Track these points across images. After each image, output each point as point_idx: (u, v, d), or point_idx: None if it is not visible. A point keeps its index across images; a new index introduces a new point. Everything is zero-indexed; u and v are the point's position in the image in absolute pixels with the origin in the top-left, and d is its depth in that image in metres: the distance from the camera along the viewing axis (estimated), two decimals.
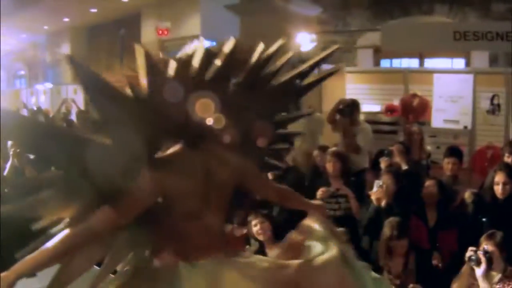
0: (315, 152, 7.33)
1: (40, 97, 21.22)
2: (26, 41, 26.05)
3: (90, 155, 2.45)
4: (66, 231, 2.46)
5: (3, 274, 2.34)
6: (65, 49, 22.58)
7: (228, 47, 2.68)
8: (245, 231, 5.03)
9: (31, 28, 22.00)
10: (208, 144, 2.68)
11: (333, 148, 6.87)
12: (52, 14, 18.83)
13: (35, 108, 17.70)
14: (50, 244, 2.42)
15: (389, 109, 10.21)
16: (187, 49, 2.87)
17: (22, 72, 30.15)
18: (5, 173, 9.22)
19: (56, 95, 19.61)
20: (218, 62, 2.69)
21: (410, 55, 13.36)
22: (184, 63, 2.68)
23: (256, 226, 4.83)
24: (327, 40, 11.82)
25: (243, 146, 2.87)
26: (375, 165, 7.26)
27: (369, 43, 13.42)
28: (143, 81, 2.61)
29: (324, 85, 10.60)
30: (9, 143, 9.55)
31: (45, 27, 22.12)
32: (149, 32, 17.39)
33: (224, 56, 2.68)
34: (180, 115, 2.57)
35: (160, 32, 16.23)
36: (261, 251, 4.66)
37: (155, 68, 2.63)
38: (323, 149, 7.13)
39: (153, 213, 2.58)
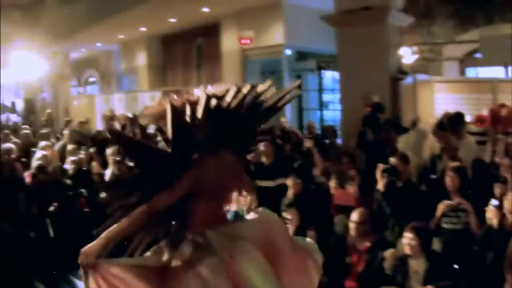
0: None
1: (115, 103, 21.85)
2: (99, 49, 26.95)
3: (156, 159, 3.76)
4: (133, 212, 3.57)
5: (84, 248, 3.40)
6: (140, 57, 23.32)
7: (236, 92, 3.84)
8: None
9: (106, 37, 22.80)
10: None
11: (454, 163, 6.89)
12: (130, 24, 19.40)
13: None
14: (122, 221, 3.55)
15: (479, 120, 10.07)
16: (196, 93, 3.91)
17: (93, 79, 31.09)
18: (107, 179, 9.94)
19: (132, 101, 20.19)
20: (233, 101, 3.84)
21: (497, 64, 13.14)
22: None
23: None
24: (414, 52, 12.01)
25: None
26: None
27: (455, 54, 13.65)
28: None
29: (417, 96, 10.96)
30: (108, 151, 10.30)
31: (120, 36, 22.77)
32: (230, 41, 17.79)
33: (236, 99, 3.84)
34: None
35: (243, 41, 16.61)
36: None
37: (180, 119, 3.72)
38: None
39: (189, 198, 3.71)
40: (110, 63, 28.22)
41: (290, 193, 7.76)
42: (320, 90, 17.71)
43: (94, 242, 3.47)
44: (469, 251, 5.81)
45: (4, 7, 23.67)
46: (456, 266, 5.75)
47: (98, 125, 17.41)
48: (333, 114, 16.99)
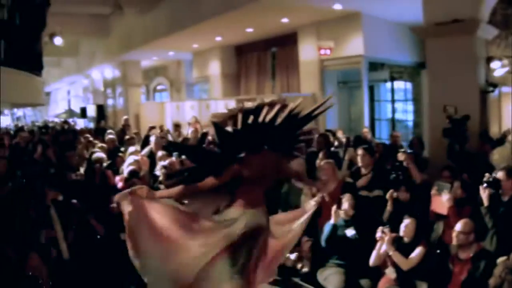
0: None
1: (186, 111, 22.40)
2: (170, 58, 27.68)
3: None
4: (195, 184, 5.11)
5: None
6: (214, 66, 23.83)
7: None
8: None
9: (180, 46, 23.43)
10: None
11: None
12: (206, 33, 19.88)
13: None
14: (180, 187, 5.05)
15: None
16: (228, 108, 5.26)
17: (163, 87, 31.96)
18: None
19: (205, 109, 20.67)
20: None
21: None
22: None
23: None
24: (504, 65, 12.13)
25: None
26: None
27: None
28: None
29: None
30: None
31: (194, 45, 23.31)
32: (308, 51, 18.03)
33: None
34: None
35: (323, 51, 16.90)
36: None
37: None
38: None
39: (235, 184, 5.12)
40: (180, 72, 28.87)
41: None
42: (393, 100, 17.89)
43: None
44: None
45: (77, 17, 24.74)
46: None
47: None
48: (405, 124, 17.32)
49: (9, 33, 11.34)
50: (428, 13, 11.05)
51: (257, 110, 5.04)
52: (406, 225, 7.07)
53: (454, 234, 6.57)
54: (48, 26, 14.12)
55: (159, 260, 5.02)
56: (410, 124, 17.87)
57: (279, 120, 5.06)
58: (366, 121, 16.29)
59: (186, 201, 5.38)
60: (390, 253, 6.95)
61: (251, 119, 4.95)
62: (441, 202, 7.59)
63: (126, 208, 4.90)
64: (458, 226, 6.55)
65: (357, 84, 17.16)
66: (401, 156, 9.17)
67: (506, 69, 11.40)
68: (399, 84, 17.78)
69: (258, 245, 5.28)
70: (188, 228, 5.08)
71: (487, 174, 7.23)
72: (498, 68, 10.98)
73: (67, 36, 23.53)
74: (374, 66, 17.53)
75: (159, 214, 5.02)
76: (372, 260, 7.27)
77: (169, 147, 5.81)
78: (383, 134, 17.85)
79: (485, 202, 6.92)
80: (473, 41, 10.53)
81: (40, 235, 6.72)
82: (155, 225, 5.00)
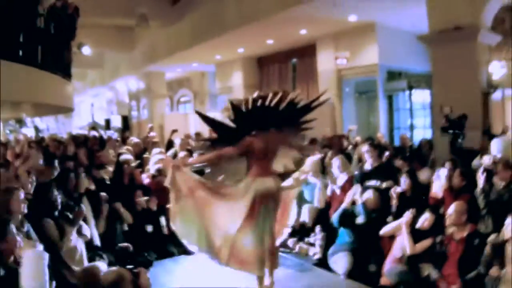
0: None
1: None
2: (193, 69, 28.60)
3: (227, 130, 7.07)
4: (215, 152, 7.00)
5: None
6: (236, 77, 24.64)
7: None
8: None
9: (203, 58, 24.30)
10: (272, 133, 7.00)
11: None
12: (228, 45, 20.80)
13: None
14: (207, 154, 7.18)
15: None
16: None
17: (187, 98, 32.72)
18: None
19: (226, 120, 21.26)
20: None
21: None
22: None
23: None
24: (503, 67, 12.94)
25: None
26: None
27: None
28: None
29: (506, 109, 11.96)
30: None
31: (217, 57, 24.19)
32: (326, 61, 18.91)
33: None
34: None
35: (339, 61, 17.83)
36: None
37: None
38: None
39: (247, 155, 6.92)
40: (204, 83, 29.67)
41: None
42: (411, 109, 18.43)
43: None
44: None
45: (101, 28, 25.62)
46: None
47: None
48: (423, 133, 17.79)
49: (45, 40, 12.36)
50: (432, 22, 11.99)
51: (264, 97, 6.62)
52: (426, 218, 7.71)
53: (447, 215, 7.41)
54: (76, 37, 14.90)
55: (194, 213, 7.03)
56: (429, 131, 18.18)
57: (282, 104, 6.69)
58: (383, 130, 17.05)
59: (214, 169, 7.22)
60: (405, 234, 7.66)
61: (259, 102, 6.60)
62: (439, 186, 8.53)
63: (170, 172, 7.00)
64: (451, 207, 7.38)
65: (374, 93, 17.89)
66: (397, 163, 10.19)
67: (505, 71, 12.25)
68: (418, 93, 18.31)
69: (272, 204, 7.00)
70: (216, 191, 7.08)
71: (485, 161, 8.19)
72: (497, 71, 11.83)
73: (93, 48, 24.52)
74: (393, 75, 18.19)
75: (195, 182, 7.05)
76: (384, 231, 8.11)
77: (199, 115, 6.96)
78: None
79: (481, 185, 7.80)
80: (474, 47, 11.45)
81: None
82: (192, 186, 7.01)
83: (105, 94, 39.47)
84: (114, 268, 4.48)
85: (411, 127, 18.54)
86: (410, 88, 18.01)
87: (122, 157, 11.29)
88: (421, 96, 18.27)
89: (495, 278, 6.33)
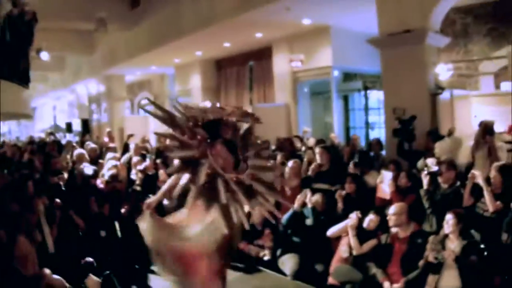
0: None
1: None
2: (153, 72, 28.40)
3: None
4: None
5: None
6: (195, 79, 24.51)
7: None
8: None
9: (162, 61, 24.23)
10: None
11: (499, 163, 7.77)
12: (186, 48, 20.76)
13: None
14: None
15: None
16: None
17: (147, 101, 32.05)
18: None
19: None
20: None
21: None
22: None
23: None
24: (454, 67, 13.20)
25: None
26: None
27: (490, 69, 14.68)
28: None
29: (455, 110, 12.08)
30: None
31: (176, 60, 24.13)
32: (281, 64, 18.90)
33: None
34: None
35: (294, 63, 17.80)
36: None
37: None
38: None
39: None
40: (164, 86, 29.53)
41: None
42: (366, 109, 18.39)
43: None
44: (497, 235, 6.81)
45: (61, 32, 25.34)
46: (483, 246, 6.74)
47: (153, 144, 18.58)
48: (378, 132, 17.89)
49: (1, 49, 12.11)
50: (382, 25, 12.06)
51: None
52: (370, 219, 7.86)
53: (388, 216, 7.55)
54: (35, 41, 14.65)
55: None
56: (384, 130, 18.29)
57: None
58: (336, 129, 17.11)
59: None
60: (351, 236, 7.79)
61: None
62: (385, 188, 8.65)
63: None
64: (391, 209, 7.55)
65: (329, 94, 17.94)
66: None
67: (452, 72, 12.40)
68: (373, 93, 18.22)
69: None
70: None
71: (429, 163, 8.28)
72: (444, 72, 11.90)
73: (54, 52, 24.25)
74: (349, 76, 18.29)
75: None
76: (331, 232, 8.17)
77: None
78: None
79: (425, 186, 7.98)
80: (423, 48, 11.51)
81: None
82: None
83: (66, 97, 39.09)
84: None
85: (367, 127, 18.53)
86: (366, 88, 17.99)
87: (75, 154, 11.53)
88: (377, 96, 18.31)
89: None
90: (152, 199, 6.25)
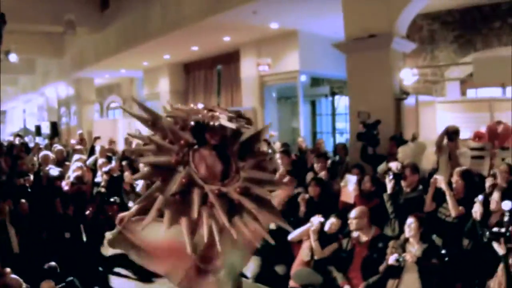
0: None
1: (138, 127, 22.86)
2: (122, 75, 28.09)
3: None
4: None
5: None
6: (163, 83, 24.28)
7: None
8: None
9: (131, 64, 23.94)
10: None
11: (461, 168, 7.77)
12: (154, 52, 20.50)
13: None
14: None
15: (477, 136, 10.97)
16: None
17: (116, 104, 32.21)
18: (138, 189, 11.14)
19: None
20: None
21: (494, 85, 14.16)
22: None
23: None
24: (420, 73, 13.14)
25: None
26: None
27: (456, 75, 14.66)
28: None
29: (420, 115, 11.99)
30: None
31: (144, 63, 23.87)
32: (248, 68, 18.69)
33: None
34: None
35: (261, 67, 17.61)
36: None
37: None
38: None
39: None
40: (133, 89, 29.20)
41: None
42: (333, 115, 18.47)
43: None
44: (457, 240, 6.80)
45: (31, 35, 25.00)
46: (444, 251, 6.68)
47: (121, 147, 18.43)
48: (345, 137, 17.85)
49: None
50: (348, 29, 11.89)
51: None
52: (332, 223, 7.78)
53: (350, 220, 7.45)
54: (3, 44, 14.37)
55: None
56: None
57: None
58: (303, 134, 16.87)
59: None
60: (312, 240, 7.66)
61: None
62: (349, 192, 8.49)
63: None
64: (352, 213, 7.46)
65: (296, 99, 17.76)
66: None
67: (417, 78, 12.32)
68: (341, 99, 18.22)
69: None
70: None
71: (393, 167, 8.12)
72: (408, 78, 11.75)
73: (23, 54, 23.86)
74: (317, 81, 18.26)
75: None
76: (292, 236, 7.99)
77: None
78: (326, 146, 18.34)
79: (389, 190, 7.84)
80: (388, 53, 11.37)
81: None
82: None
83: (36, 100, 38.65)
84: None
85: (334, 132, 18.48)
86: (333, 94, 18.02)
87: (40, 155, 11.65)
88: (344, 102, 18.23)
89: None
90: (126, 213, 5.50)
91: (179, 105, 5.23)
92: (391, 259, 6.47)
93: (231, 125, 4.72)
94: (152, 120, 4.93)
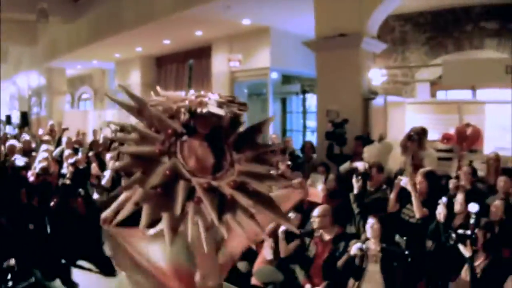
0: None
1: (108, 119, 22.57)
2: (94, 66, 27.72)
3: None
4: None
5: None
6: (135, 75, 24.06)
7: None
8: None
9: (103, 56, 23.68)
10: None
11: (425, 169, 7.73)
12: (126, 44, 20.29)
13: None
14: None
15: (446, 138, 10.76)
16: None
17: (87, 96, 31.73)
18: (104, 182, 10.90)
19: (126, 118, 20.86)
20: None
21: (463, 87, 14.08)
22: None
23: None
24: (389, 74, 13.13)
25: None
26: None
27: (427, 77, 14.62)
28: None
29: (389, 116, 11.92)
30: (108, 156, 11.38)
31: (116, 55, 23.61)
32: (220, 63, 18.57)
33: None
34: None
35: (232, 63, 17.49)
36: None
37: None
38: None
39: None
40: (104, 80, 28.81)
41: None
42: (304, 113, 18.46)
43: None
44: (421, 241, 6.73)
45: (4, 22, 24.52)
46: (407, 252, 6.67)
47: (91, 139, 18.19)
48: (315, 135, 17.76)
49: None
50: (318, 28, 11.84)
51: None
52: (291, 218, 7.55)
53: (312, 218, 7.32)
54: None
55: None
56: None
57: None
58: (272, 131, 16.35)
59: None
60: (280, 239, 7.44)
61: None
62: (316, 192, 8.42)
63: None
64: (315, 211, 7.30)
65: (266, 96, 17.69)
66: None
67: (385, 78, 12.27)
68: (311, 96, 18.02)
69: None
70: None
71: (360, 166, 8.01)
72: (377, 78, 11.75)
73: None
74: (288, 79, 18.22)
75: None
76: None
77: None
78: (295, 144, 18.31)
79: (356, 190, 7.68)
80: (357, 53, 11.35)
81: None
82: None
83: (8, 88, 37.99)
84: None
85: (304, 130, 18.41)
86: (304, 92, 17.95)
87: (7, 145, 11.54)
88: (315, 100, 18.17)
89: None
90: (107, 212, 4.80)
91: (167, 92, 4.80)
92: (354, 248, 6.43)
93: (220, 112, 4.11)
94: (138, 108, 4.48)
